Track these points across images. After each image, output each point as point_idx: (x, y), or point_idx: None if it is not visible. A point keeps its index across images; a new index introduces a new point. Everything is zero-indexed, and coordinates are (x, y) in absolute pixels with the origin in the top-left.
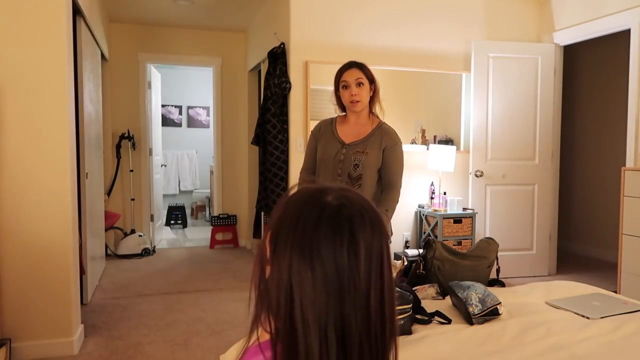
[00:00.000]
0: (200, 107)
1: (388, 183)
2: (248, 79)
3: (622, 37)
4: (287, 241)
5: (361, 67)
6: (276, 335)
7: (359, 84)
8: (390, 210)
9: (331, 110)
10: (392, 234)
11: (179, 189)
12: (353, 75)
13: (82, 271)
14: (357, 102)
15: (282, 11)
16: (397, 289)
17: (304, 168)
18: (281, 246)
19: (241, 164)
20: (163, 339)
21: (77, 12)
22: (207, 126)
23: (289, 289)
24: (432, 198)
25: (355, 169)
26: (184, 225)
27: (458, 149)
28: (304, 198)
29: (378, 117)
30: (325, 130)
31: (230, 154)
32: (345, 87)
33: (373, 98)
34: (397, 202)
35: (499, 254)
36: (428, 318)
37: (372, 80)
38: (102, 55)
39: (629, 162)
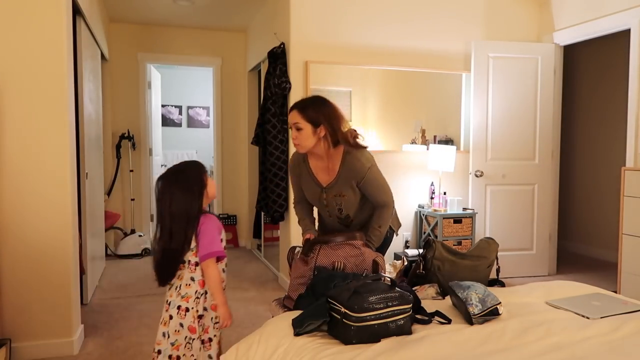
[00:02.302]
0: (200, 107)
1: (377, 205)
2: (248, 79)
3: (622, 37)
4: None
5: (302, 109)
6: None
7: (298, 129)
8: (383, 225)
9: None
10: (397, 235)
11: None
12: (291, 119)
13: (82, 271)
14: (298, 145)
15: (282, 11)
16: (397, 289)
17: (296, 201)
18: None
19: (241, 164)
20: None
21: (77, 12)
22: (207, 126)
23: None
24: (432, 198)
25: (340, 212)
26: None
27: (458, 149)
28: None
29: (345, 142)
30: (301, 170)
31: (230, 154)
32: (291, 127)
33: (328, 135)
34: (392, 215)
35: (499, 254)
36: (428, 318)
37: (316, 123)
38: (102, 55)
39: (629, 162)
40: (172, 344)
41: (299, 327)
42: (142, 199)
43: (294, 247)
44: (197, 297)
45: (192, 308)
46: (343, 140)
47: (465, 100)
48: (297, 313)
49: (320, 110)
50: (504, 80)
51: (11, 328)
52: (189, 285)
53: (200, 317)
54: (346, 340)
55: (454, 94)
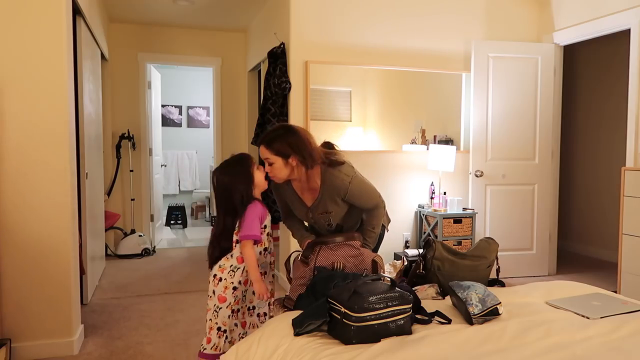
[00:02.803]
0: (200, 107)
1: (367, 209)
2: (248, 79)
3: (622, 37)
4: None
5: (269, 144)
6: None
7: (269, 163)
8: (377, 226)
9: (331, 112)
10: (388, 230)
11: (179, 189)
12: (261, 155)
13: (82, 271)
14: (273, 177)
15: (282, 11)
16: (397, 288)
17: (284, 217)
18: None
19: None
20: (163, 339)
21: (77, 12)
22: (207, 126)
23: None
24: (432, 198)
25: (330, 226)
26: (184, 225)
27: (458, 149)
28: None
29: (320, 162)
30: (285, 191)
31: (230, 154)
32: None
33: (300, 163)
34: (383, 214)
35: (499, 254)
36: (428, 318)
37: (285, 155)
38: (102, 55)
39: (629, 162)
40: (207, 306)
41: (299, 327)
42: (142, 199)
43: (292, 253)
44: (232, 271)
45: (225, 279)
46: (316, 163)
47: (465, 100)
48: (297, 313)
49: (286, 142)
50: (504, 80)
51: (11, 328)
52: (227, 258)
53: (234, 289)
54: (346, 340)
55: (454, 94)
